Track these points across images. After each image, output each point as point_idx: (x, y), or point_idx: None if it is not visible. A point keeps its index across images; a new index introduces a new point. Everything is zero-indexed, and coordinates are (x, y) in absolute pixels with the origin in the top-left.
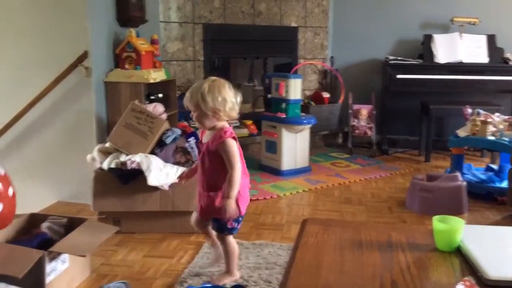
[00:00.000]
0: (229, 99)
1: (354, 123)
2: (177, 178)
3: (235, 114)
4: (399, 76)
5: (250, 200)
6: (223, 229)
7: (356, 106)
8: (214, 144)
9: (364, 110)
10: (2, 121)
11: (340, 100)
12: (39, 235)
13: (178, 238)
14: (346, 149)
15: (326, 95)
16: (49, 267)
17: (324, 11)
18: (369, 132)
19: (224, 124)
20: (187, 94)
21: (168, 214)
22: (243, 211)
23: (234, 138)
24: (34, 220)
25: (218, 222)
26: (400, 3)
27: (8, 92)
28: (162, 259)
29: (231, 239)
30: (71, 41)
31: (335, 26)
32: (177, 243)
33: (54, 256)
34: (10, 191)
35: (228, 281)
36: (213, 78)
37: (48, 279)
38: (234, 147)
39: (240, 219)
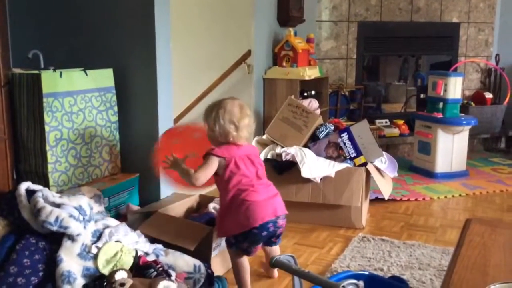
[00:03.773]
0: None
1: None
2: None
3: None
4: None
5: (401, 200)
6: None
7: None
8: None
9: None
10: (175, 112)
11: (505, 102)
12: (207, 214)
13: (327, 230)
14: (510, 155)
15: (488, 95)
16: (214, 243)
17: (491, 5)
18: None
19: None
20: None
21: (318, 206)
22: (232, 231)
23: (219, 154)
24: (202, 200)
25: None
26: None
27: (181, 86)
28: (312, 248)
29: (235, 257)
30: (237, 42)
31: (502, 21)
32: (327, 234)
33: None
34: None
35: None
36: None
37: (213, 253)
38: (209, 160)
39: (233, 240)
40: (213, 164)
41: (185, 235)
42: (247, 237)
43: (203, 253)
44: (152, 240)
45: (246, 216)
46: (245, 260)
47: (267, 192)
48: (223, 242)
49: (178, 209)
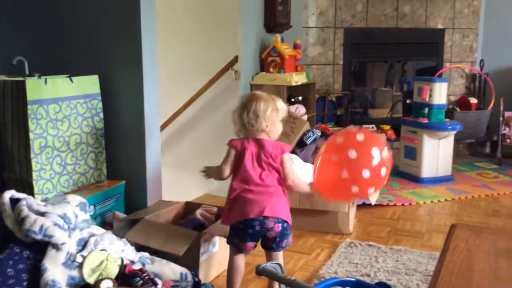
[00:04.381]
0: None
1: (505, 132)
2: None
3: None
4: None
5: (387, 205)
6: None
7: (508, 113)
8: None
9: None
10: (162, 118)
11: (490, 107)
12: (194, 220)
13: (315, 236)
14: (495, 159)
15: (473, 100)
16: (202, 248)
17: (475, 11)
18: None
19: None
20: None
21: (305, 211)
22: (226, 222)
23: (233, 145)
24: (188, 207)
25: None
26: None
27: (168, 92)
28: (300, 254)
29: (231, 254)
30: (224, 48)
31: (486, 27)
32: (314, 240)
33: (207, 239)
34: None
35: None
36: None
37: (201, 259)
38: (228, 151)
39: (228, 235)
40: (230, 154)
41: (173, 241)
42: (235, 231)
43: (191, 259)
44: (139, 248)
45: (235, 209)
46: (239, 260)
47: (262, 193)
48: (210, 247)
49: (165, 216)
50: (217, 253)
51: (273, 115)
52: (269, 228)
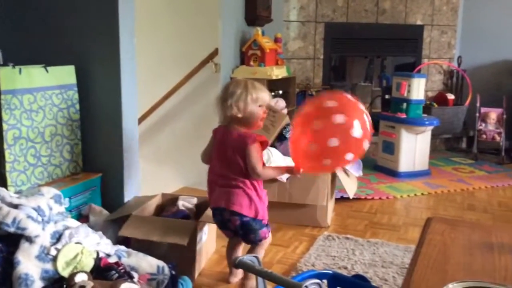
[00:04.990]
0: None
1: (481, 127)
2: None
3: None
4: None
5: (365, 199)
6: None
7: (484, 109)
8: None
9: (493, 114)
10: (140, 111)
11: (467, 103)
12: (180, 212)
13: (293, 229)
14: (471, 155)
15: (450, 96)
16: (198, 237)
17: (454, 8)
18: (497, 138)
19: None
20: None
21: (284, 205)
22: None
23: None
24: (165, 199)
25: None
26: None
27: (146, 85)
28: (278, 247)
29: None
30: (204, 40)
31: (464, 24)
32: (292, 233)
33: (201, 227)
34: None
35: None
36: None
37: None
38: None
39: None
40: (210, 142)
41: (172, 232)
42: None
43: (189, 248)
44: (115, 242)
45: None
46: (230, 242)
47: (224, 184)
48: (203, 236)
49: (146, 210)
50: (206, 241)
51: (242, 99)
52: (226, 219)
